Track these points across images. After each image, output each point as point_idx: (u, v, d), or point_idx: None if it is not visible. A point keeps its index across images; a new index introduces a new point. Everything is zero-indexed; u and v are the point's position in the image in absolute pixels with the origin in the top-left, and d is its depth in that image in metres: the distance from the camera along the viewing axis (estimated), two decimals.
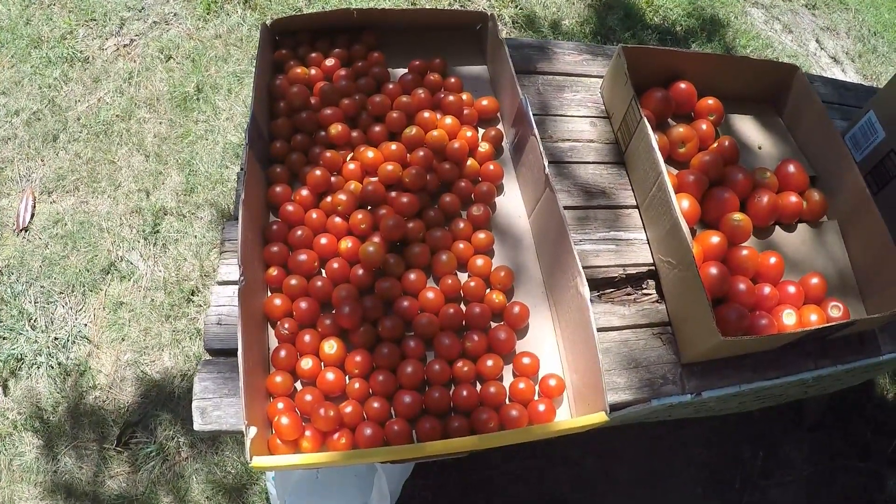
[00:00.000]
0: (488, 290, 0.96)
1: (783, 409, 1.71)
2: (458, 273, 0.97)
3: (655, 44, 2.33)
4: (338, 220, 0.95)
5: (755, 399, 1.15)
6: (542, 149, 0.98)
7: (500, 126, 1.14)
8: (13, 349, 1.62)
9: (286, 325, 0.88)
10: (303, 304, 0.89)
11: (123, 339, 1.63)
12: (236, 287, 0.95)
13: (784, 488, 1.64)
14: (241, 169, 1.06)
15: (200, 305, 1.65)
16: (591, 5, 2.39)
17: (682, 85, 1.23)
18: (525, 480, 1.55)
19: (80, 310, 1.66)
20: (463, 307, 0.93)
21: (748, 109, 1.29)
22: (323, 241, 0.94)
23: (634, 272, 1.09)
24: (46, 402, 1.58)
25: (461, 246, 0.97)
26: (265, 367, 0.88)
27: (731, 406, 1.19)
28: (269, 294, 0.92)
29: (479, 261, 0.97)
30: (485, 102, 1.13)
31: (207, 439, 1.52)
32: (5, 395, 1.59)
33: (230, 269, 0.97)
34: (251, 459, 0.73)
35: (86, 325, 1.65)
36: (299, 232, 0.94)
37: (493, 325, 0.95)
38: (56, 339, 1.63)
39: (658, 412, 1.01)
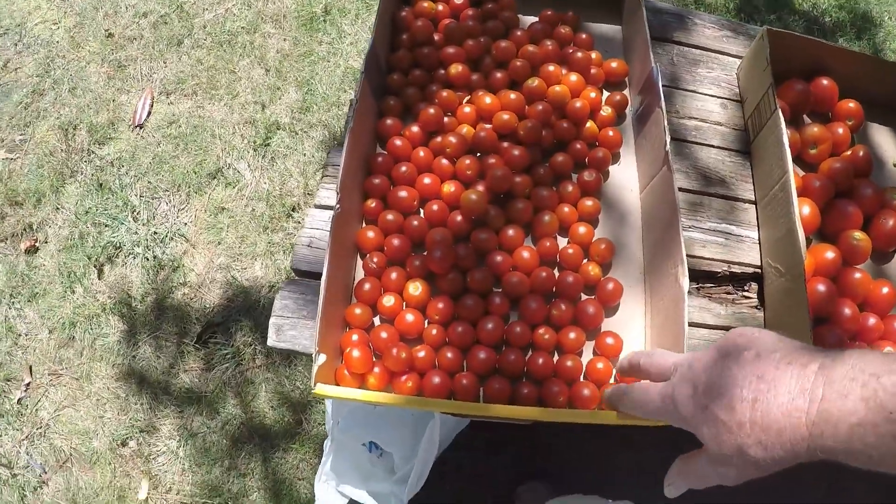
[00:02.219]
0: (585, 261, 0.92)
1: None
2: (557, 237, 0.93)
3: (801, 31, 2.16)
4: (444, 162, 0.93)
5: None
6: (665, 124, 0.91)
7: (626, 92, 1.07)
8: (113, 236, 1.71)
9: (375, 259, 0.87)
10: (395, 241, 0.88)
11: (219, 243, 1.69)
12: (331, 212, 0.96)
13: None
14: (354, 96, 1.05)
15: (298, 222, 1.69)
16: None
17: (825, 81, 1.12)
18: (583, 456, 1.53)
19: (183, 209, 1.73)
20: (556, 273, 0.90)
21: (889, 120, 1.17)
22: (426, 180, 0.92)
23: (739, 272, 1.02)
24: (136, 291, 1.67)
25: (566, 210, 0.93)
26: (347, 298, 0.88)
27: None
28: (364, 225, 0.91)
29: (582, 228, 0.93)
30: (614, 65, 1.06)
31: (283, 353, 1.57)
32: (99, 279, 1.69)
33: (329, 194, 0.97)
34: (315, 385, 0.74)
35: (185, 224, 1.71)
36: (403, 168, 0.92)
37: (583, 297, 0.91)
38: (155, 233, 1.71)
39: None
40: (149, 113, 1.85)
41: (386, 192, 0.92)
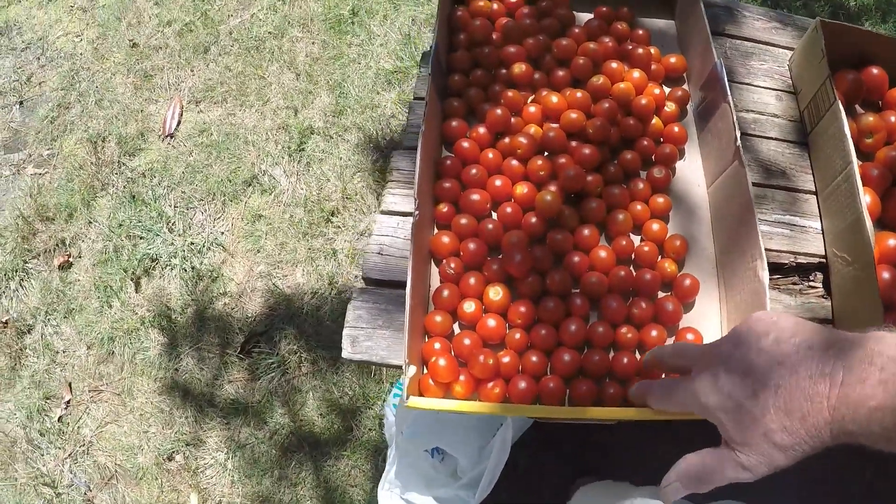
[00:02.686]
0: (660, 258, 0.91)
1: None
2: (630, 235, 0.92)
3: (827, 16, 2.14)
4: (514, 163, 0.92)
5: None
6: (735, 118, 0.91)
7: (684, 87, 1.06)
8: (149, 249, 1.70)
9: (452, 265, 0.86)
10: (471, 245, 0.86)
11: (258, 251, 1.68)
12: (400, 218, 0.95)
13: None
14: (415, 98, 1.04)
15: (339, 227, 1.68)
16: None
17: (874, 70, 1.12)
18: (637, 453, 1.51)
19: (219, 218, 1.72)
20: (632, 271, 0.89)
21: None
22: (497, 182, 0.91)
23: (805, 262, 1.02)
24: (176, 303, 1.66)
25: (638, 207, 0.92)
26: (425, 305, 0.87)
27: None
28: (436, 231, 0.90)
29: (655, 225, 0.92)
30: (672, 60, 1.05)
31: (329, 359, 1.56)
32: (136, 292, 1.68)
33: (396, 199, 0.96)
34: (408, 399, 0.73)
35: (222, 233, 1.70)
36: (474, 170, 0.91)
37: (660, 294, 0.90)
38: (192, 243, 1.70)
39: None
40: (179, 122, 1.84)
41: (457, 196, 0.91)
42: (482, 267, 0.87)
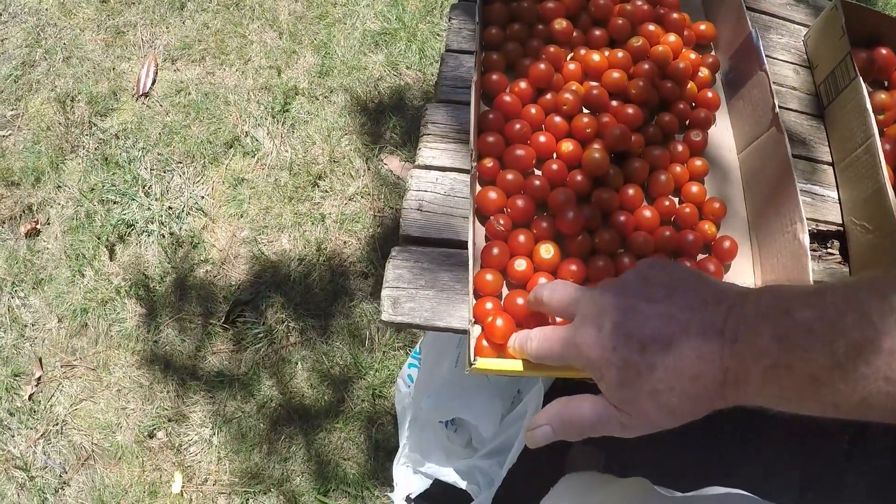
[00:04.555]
0: (700, 219, 0.91)
1: None
2: (671, 196, 0.92)
3: None
4: (557, 119, 0.90)
5: None
6: (772, 87, 0.92)
7: (713, 53, 1.07)
8: (124, 214, 1.60)
9: (501, 222, 0.83)
10: (519, 202, 0.84)
11: (241, 216, 1.60)
12: (438, 173, 0.91)
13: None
14: (447, 50, 1.00)
15: (326, 191, 1.62)
16: None
17: (884, 51, 1.16)
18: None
19: (199, 181, 1.64)
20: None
21: None
22: (542, 139, 0.88)
23: (825, 229, 1.05)
24: (154, 272, 1.57)
25: (678, 169, 0.92)
26: (475, 264, 0.84)
27: None
28: (481, 187, 0.87)
29: (694, 188, 0.92)
30: (703, 27, 1.06)
31: (318, 328, 1.51)
32: (111, 260, 1.58)
33: (434, 154, 0.92)
34: (475, 360, 0.70)
35: (203, 197, 1.62)
36: (518, 126, 0.88)
37: (700, 256, 0.90)
38: (170, 208, 1.61)
39: None
40: (154, 81, 1.74)
41: (502, 151, 0.88)
42: (530, 224, 0.85)
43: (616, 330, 0.43)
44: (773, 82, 1.13)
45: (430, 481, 1.13)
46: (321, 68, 1.74)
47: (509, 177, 0.86)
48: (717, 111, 1.03)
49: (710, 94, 0.99)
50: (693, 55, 1.01)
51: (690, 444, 1.47)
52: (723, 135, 1.02)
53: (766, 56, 1.15)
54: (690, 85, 0.99)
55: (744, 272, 0.93)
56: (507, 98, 0.90)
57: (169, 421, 1.45)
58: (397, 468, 1.14)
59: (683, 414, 0.42)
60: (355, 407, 1.46)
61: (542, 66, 0.91)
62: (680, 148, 0.94)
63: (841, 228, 1.04)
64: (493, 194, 0.85)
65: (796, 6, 1.25)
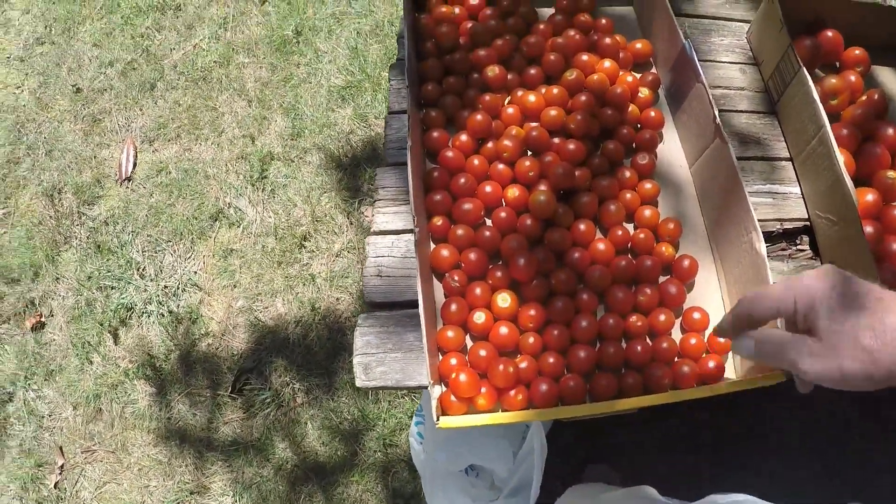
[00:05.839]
0: (656, 242, 0.92)
1: None
2: (624, 224, 0.93)
3: None
4: (501, 166, 0.91)
5: None
6: (710, 97, 0.92)
7: (653, 70, 1.07)
8: (122, 298, 1.64)
9: (455, 278, 0.85)
10: (472, 256, 0.85)
11: (235, 286, 1.63)
12: (393, 237, 0.93)
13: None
14: (389, 112, 1.02)
15: (313, 251, 1.65)
16: None
17: (829, 33, 1.15)
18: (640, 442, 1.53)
19: (189, 257, 1.67)
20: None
21: (891, 60, 1.20)
22: (487, 188, 0.90)
23: (791, 227, 1.04)
24: (158, 350, 1.61)
25: (628, 195, 0.93)
26: (435, 322, 0.85)
27: None
28: (434, 245, 0.89)
29: (647, 211, 0.92)
30: (639, 45, 1.06)
31: (322, 386, 1.53)
32: (116, 344, 1.62)
33: (387, 218, 0.94)
34: (438, 420, 0.71)
35: (195, 272, 1.66)
36: (462, 179, 0.90)
37: (662, 278, 0.91)
38: (166, 287, 1.65)
39: None
40: (134, 164, 1.78)
41: (450, 207, 0.90)
42: (486, 276, 0.86)
43: (841, 281, 0.52)
44: (720, 85, 1.14)
45: None
46: (293, 130, 1.77)
47: (459, 232, 0.87)
48: (664, 128, 1.04)
49: (652, 114, 1.00)
50: (631, 77, 1.02)
51: (702, 461, 1.46)
52: (672, 151, 1.02)
53: (710, 60, 1.16)
54: (632, 107, 1.00)
55: (709, 286, 0.93)
56: (450, 154, 0.92)
57: (191, 494, 1.49)
58: None
59: (873, 365, 0.48)
60: (368, 458, 1.48)
61: (480, 116, 0.93)
62: (628, 174, 0.94)
63: (808, 223, 1.04)
64: (445, 252, 0.86)
65: (735, 4, 1.25)
